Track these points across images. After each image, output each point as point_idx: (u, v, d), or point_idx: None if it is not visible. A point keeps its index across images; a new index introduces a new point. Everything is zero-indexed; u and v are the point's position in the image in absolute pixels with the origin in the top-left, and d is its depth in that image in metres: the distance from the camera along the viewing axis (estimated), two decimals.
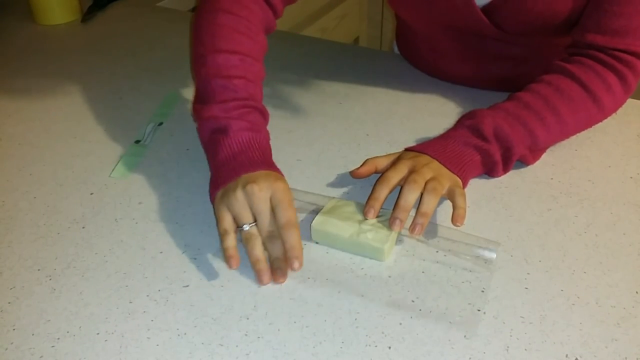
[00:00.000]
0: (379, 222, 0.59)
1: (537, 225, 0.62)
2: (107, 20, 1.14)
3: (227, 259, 0.55)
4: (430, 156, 0.64)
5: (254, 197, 0.57)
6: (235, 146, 0.63)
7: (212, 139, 0.64)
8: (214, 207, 0.61)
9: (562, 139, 0.72)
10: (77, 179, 0.70)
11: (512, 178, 0.69)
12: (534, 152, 0.70)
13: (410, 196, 0.59)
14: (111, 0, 1.21)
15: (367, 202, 0.60)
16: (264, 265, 0.56)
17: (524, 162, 0.70)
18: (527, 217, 0.63)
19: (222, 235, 0.57)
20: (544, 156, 0.72)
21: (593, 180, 0.68)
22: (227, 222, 0.58)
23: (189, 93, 0.88)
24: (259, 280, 0.55)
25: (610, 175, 0.69)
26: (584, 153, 0.73)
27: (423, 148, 0.65)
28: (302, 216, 0.63)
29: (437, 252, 0.59)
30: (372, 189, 0.61)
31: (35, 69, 0.96)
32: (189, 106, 0.85)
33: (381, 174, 0.63)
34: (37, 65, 0.97)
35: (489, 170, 0.68)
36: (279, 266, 0.56)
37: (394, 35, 1.04)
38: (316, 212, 0.61)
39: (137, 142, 0.77)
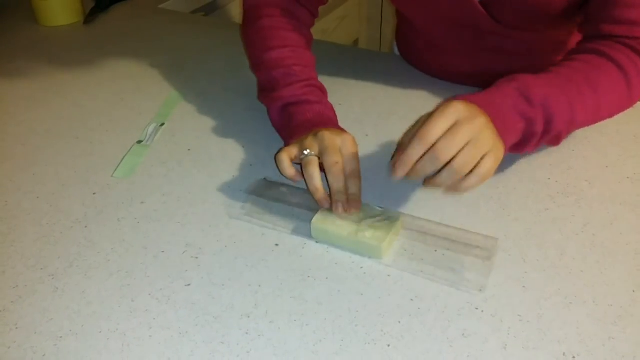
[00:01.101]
0: (377, 221, 0.60)
1: (535, 224, 0.62)
2: (110, 22, 1.15)
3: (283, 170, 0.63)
4: (488, 116, 0.57)
5: (324, 139, 0.62)
6: (309, 114, 0.70)
7: (285, 113, 0.72)
8: None
9: (591, 122, 0.68)
10: (79, 179, 0.71)
11: (510, 178, 0.69)
12: (562, 132, 0.65)
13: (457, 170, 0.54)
14: (113, 2, 1.22)
15: (396, 157, 0.56)
16: (324, 195, 0.61)
17: (553, 142, 0.66)
18: (524, 216, 0.64)
19: (279, 163, 0.64)
20: (542, 156, 0.72)
21: (590, 180, 0.69)
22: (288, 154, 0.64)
23: (190, 94, 0.89)
24: (335, 209, 0.60)
25: (607, 176, 0.70)
26: (581, 153, 0.73)
27: (480, 104, 0.58)
28: (302, 212, 0.64)
29: (436, 251, 0.59)
30: (408, 145, 0.55)
31: (37, 70, 0.96)
32: (191, 107, 0.85)
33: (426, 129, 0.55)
34: (39, 66, 0.97)
35: (522, 142, 0.63)
36: (340, 199, 0.60)
37: (393, 36, 1.04)
38: (316, 209, 0.62)
39: (139, 142, 0.77)
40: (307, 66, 0.75)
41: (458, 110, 0.55)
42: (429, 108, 0.83)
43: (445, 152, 0.53)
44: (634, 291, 0.55)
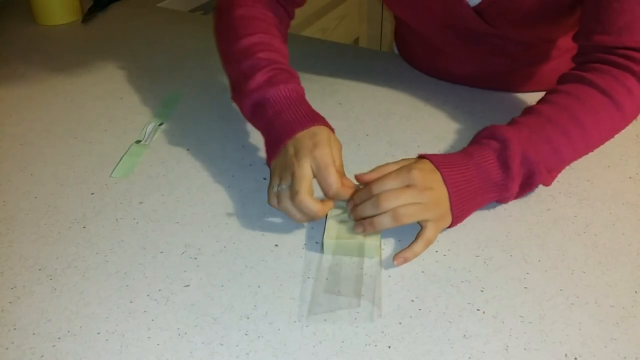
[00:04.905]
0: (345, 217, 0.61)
1: (537, 225, 0.62)
2: (108, 21, 1.14)
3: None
4: (445, 181, 0.58)
5: (296, 172, 0.59)
6: (271, 109, 0.66)
7: (253, 113, 0.69)
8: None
9: (584, 154, 0.66)
10: (77, 179, 0.71)
11: None
12: (551, 172, 0.64)
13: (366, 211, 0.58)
14: (112, 1, 1.21)
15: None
16: (324, 208, 0.59)
17: (541, 184, 0.64)
18: (526, 216, 0.63)
19: (270, 200, 0.62)
20: None
21: (592, 180, 0.69)
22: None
23: (189, 93, 0.88)
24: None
25: (609, 175, 0.69)
26: None
27: (445, 174, 0.59)
28: None
29: (437, 251, 0.59)
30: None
31: (36, 69, 0.96)
32: (190, 106, 0.85)
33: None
34: (37, 66, 0.97)
35: (499, 201, 0.64)
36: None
37: (393, 35, 1.04)
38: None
39: (138, 142, 0.77)
40: (274, 50, 0.72)
41: (414, 177, 0.57)
42: (429, 107, 0.83)
43: (388, 202, 0.56)
44: (636, 292, 0.54)
